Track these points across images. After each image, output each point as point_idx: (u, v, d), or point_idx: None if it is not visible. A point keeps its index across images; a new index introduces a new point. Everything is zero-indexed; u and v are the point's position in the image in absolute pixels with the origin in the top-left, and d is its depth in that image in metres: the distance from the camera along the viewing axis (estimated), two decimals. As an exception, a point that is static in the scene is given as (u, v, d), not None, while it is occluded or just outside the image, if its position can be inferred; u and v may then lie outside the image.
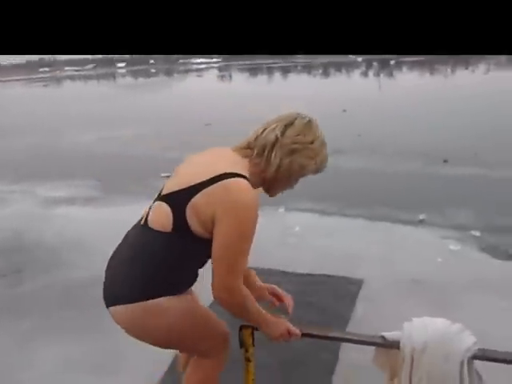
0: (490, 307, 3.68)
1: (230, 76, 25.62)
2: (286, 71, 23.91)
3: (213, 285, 1.49)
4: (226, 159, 1.53)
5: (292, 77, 23.75)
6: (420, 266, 4.48)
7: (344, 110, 13.35)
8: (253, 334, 1.78)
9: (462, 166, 7.78)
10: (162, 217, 1.55)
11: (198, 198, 1.46)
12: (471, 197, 6.50)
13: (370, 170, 7.92)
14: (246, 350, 1.79)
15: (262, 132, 1.51)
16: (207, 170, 1.48)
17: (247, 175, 1.48)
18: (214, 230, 1.45)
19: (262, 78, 24.01)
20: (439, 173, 7.65)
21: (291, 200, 6.26)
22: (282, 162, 1.49)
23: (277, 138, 1.47)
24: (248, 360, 1.80)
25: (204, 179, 1.45)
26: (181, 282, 1.59)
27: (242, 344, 1.79)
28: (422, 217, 5.74)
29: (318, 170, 1.59)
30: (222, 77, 25.31)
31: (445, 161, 8.18)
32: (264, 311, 1.60)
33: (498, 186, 6.85)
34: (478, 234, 5.28)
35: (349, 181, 7.44)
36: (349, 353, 3.20)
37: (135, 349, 3.36)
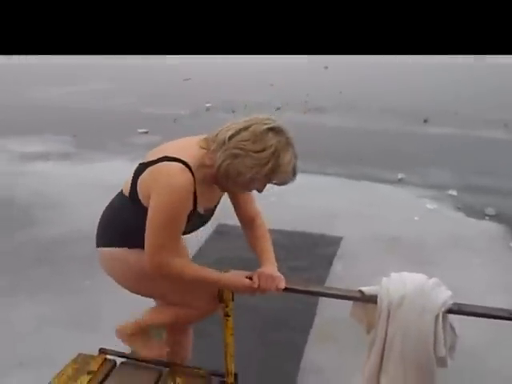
0: (464, 264, 3.76)
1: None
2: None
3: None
4: (181, 145, 1.61)
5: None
6: (397, 224, 4.53)
7: (326, 67, 13.13)
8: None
9: (441, 126, 7.80)
10: (127, 183, 1.71)
11: (144, 175, 1.60)
12: (450, 156, 6.55)
13: (350, 128, 7.87)
14: (226, 305, 1.77)
15: (222, 129, 1.55)
16: (160, 151, 1.60)
17: (191, 163, 1.53)
18: None
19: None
20: (419, 132, 7.67)
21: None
22: (222, 163, 1.50)
23: (224, 140, 1.49)
24: (227, 315, 1.78)
25: (153, 159, 1.58)
26: (135, 239, 1.65)
27: (221, 299, 1.77)
28: (400, 176, 5.76)
29: (267, 181, 1.53)
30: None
31: (425, 120, 8.18)
32: (213, 272, 1.65)
33: (476, 145, 6.92)
34: (454, 193, 5.34)
35: (329, 139, 7.39)
36: (326, 308, 3.25)
37: (111, 306, 3.36)
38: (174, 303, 1.86)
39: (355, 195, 5.23)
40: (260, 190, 1.61)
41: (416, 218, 4.67)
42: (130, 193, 1.66)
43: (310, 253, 4.08)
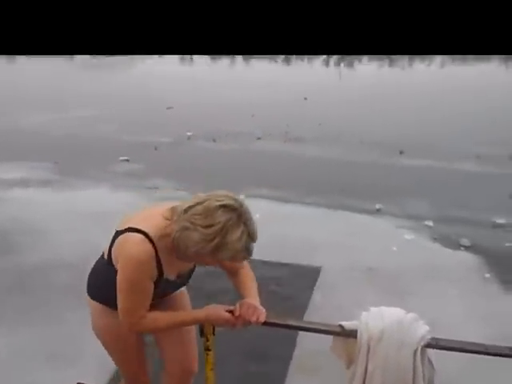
0: (441, 294, 3.84)
1: (191, 59, 25.12)
2: (248, 56, 23.82)
3: None
4: (146, 215, 1.70)
5: (254, 62, 23.57)
6: (376, 254, 4.60)
7: (305, 98, 13.42)
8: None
9: (417, 158, 8.02)
10: (105, 247, 1.81)
11: (115, 244, 1.70)
12: (426, 188, 6.73)
13: (329, 159, 8.03)
14: (207, 340, 1.78)
15: (185, 202, 1.60)
16: (128, 221, 1.68)
17: (152, 233, 1.59)
18: None
19: (224, 62, 23.68)
20: (396, 163, 7.87)
21: (251, 187, 6.28)
22: (175, 234, 1.55)
23: (181, 211, 1.55)
24: (208, 349, 1.79)
25: (121, 228, 1.67)
26: (109, 296, 1.71)
27: (202, 333, 1.78)
28: (378, 206, 5.88)
29: (215, 257, 1.54)
30: (183, 59, 24.78)
31: (401, 152, 8.40)
32: (188, 313, 1.81)
33: (451, 177, 7.12)
34: (430, 223, 5.48)
35: (308, 169, 7.51)
36: (306, 339, 3.27)
37: (91, 336, 3.31)
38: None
39: (334, 225, 5.32)
40: (211, 264, 1.65)
41: (394, 249, 4.76)
42: (107, 256, 1.75)
43: (290, 283, 4.11)
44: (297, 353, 3.19)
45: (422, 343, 1.62)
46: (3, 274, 4.01)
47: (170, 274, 1.71)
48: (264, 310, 1.72)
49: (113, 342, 1.90)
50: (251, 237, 1.53)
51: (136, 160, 7.82)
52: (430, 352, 1.66)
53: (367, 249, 4.71)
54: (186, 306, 2.04)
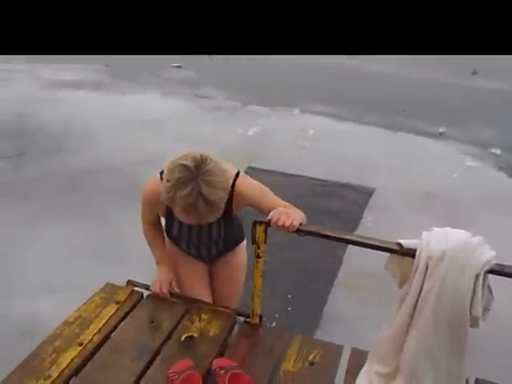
0: (502, 227, 3.60)
1: None
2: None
3: None
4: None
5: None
6: (435, 179, 4.35)
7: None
8: (266, 231, 1.70)
9: (491, 80, 7.32)
10: None
11: None
12: (496, 113, 6.18)
13: (392, 75, 7.47)
14: (258, 247, 1.72)
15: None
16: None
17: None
18: None
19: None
20: (466, 84, 7.22)
21: (306, 102, 5.98)
22: None
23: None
24: (258, 256, 1.74)
25: None
26: (167, 232, 2.02)
27: (254, 240, 1.72)
28: (442, 130, 5.49)
29: (168, 204, 1.67)
30: None
31: (473, 72, 7.68)
32: (160, 253, 2.00)
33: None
34: (498, 151, 5.08)
35: (368, 85, 7.03)
36: (351, 259, 3.21)
37: (140, 238, 3.38)
38: None
39: (393, 147, 5.03)
40: (180, 220, 1.71)
41: (455, 175, 4.47)
42: None
43: (341, 203, 3.98)
44: (342, 271, 3.14)
45: (486, 268, 1.48)
46: (55, 175, 4.11)
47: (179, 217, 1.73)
48: (300, 216, 1.68)
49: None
50: (203, 197, 1.55)
51: (188, 67, 7.60)
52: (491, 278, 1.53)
53: (426, 173, 4.45)
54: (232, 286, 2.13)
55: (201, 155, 1.61)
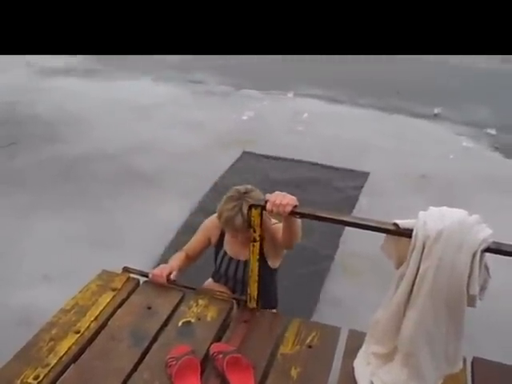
0: (498, 206, 3.60)
1: None
2: None
3: None
4: None
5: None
6: (431, 161, 4.34)
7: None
8: (261, 214, 1.69)
9: (485, 59, 7.27)
10: None
11: None
12: (491, 93, 6.14)
13: (384, 56, 7.41)
14: (254, 230, 1.71)
15: None
16: None
17: None
18: None
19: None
20: (460, 64, 7.17)
21: (302, 85, 5.93)
22: None
23: None
24: (254, 240, 1.73)
25: None
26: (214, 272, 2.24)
27: (250, 224, 1.71)
28: (436, 111, 5.47)
29: (218, 218, 2.02)
30: None
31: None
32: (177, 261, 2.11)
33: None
34: (493, 131, 5.07)
35: (362, 67, 6.96)
36: (348, 242, 3.21)
37: (135, 225, 3.38)
38: None
39: (388, 129, 5.01)
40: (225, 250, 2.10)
41: (451, 156, 4.47)
42: None
43: (336, 187, 3.97)
44: (338, 255, 3.15)
45: (483, 246, 1.48)
46: (48, 164, 4.06)
47: (229, 250, 2.11)
48: (295, 199, 1.76)
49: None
50: (242, 213, 1.89)
51: (180, 53, 7.49)
52: (488, 258, 1.53)
53: (421, 155, 4.44)
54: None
55: (248, 186, 2.02)
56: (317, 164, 4.26)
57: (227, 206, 1.94)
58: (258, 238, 1.74)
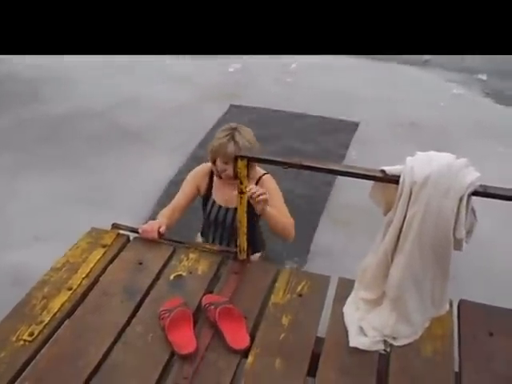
0: (489, 152, 3.60)
1: None
2: None
3: None
4: None
5: None
6: (421, 109, 4.29)
7: None
8: (248, 165, 1.67)
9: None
10: None
11: None
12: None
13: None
14: (241, 182, 1.70)
15: None
16: None
17: None
18: None
19: None
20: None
21: (288, 35, 5.76)
22: None
23: None
24: (242, 192, 1.72)
25: None
26: (203, 228, 2.32)
27: (236, 175, 1.70)
28: (426, 57, 5.36)
29: (210, 153, 2.08)
30: None
31: None
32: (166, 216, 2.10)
33: (513, 26, 6.33)
34: (484, 77, 5.00)
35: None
36: (338, 194, 3.22)
37: (123, 183, 3.35)
38: None
39: (377, 77, 4.92)
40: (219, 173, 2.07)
41: (441, 104, 4.42)
42: None
43: (325, 138, 3.93)
44: (327, 207, 3.16)
45: (470, 190, 1.48)
46: (31, 124, 3.97)
47: (217, 198, 2.14)
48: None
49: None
50: (234, 141, 1.98)
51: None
52: (475, 201, 1.53)
53: (411, 103, 4.39)
54: None
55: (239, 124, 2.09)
56: (306, 114, 4.20)
57: (219, 136, 2.03)
58: (244, 190, 1.72)
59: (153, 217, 2.88)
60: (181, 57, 5.13)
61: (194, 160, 3.41)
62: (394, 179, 1.54)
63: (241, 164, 1.66)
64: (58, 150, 3.61)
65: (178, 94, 4.42)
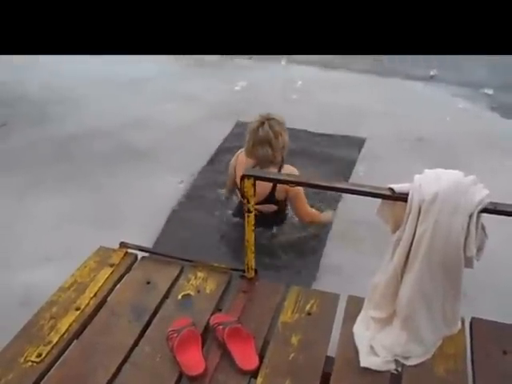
0: (495, 165, 3.58)
1: None
2: None
3: None
4: None
5: None
6: (427, 124, 4.28)
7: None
8: (254, 184, 1.67)
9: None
10: None
11: None
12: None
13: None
14: (248, 201, 1.70)
15: None
16: None
17: None
18: None
19: None
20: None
21: (294, 52, 5.81)
22: None
23: None
24: (249, 211, 1.72)
25: None
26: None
27: (243, 195, 1.70)
28: (432, 72, 5.37)
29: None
30: None
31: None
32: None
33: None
34: (490, 91, 4.99)
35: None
36: (346, 210, 3.20)
37: (132, 202, 3.36)
38: None
39: (383, 93, 4.93)
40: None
41: (448, 119, 4.41)
42: None
43: (332, 154, 3.92)
44: (336, 223, 3.14)
45: (480, 207, 1.47)
46: (42, 144, 4.00)
47: None
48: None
49: None
50: (270, 126, 2.48)
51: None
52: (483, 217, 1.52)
53: (418, 118, 4.38)
54: None
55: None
56: (312, 132, 4.21)
57: (252, 124, 2.42)
58: (251, 209, 1.72)
59: (161, 236, 2.89)
60: (188, 76, 5.19)
61: (203, 179, 3.44)
62: (403, 197, 1.53)
63: (247, 183, 1.67)
64: (68, 170, 3.63)
65: (185, 112, 4.46)
